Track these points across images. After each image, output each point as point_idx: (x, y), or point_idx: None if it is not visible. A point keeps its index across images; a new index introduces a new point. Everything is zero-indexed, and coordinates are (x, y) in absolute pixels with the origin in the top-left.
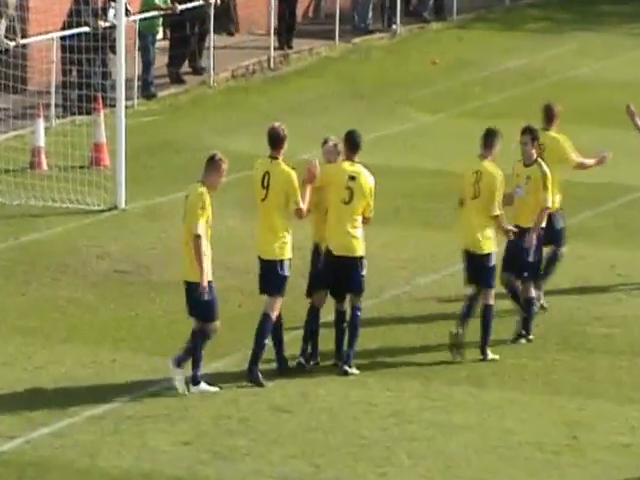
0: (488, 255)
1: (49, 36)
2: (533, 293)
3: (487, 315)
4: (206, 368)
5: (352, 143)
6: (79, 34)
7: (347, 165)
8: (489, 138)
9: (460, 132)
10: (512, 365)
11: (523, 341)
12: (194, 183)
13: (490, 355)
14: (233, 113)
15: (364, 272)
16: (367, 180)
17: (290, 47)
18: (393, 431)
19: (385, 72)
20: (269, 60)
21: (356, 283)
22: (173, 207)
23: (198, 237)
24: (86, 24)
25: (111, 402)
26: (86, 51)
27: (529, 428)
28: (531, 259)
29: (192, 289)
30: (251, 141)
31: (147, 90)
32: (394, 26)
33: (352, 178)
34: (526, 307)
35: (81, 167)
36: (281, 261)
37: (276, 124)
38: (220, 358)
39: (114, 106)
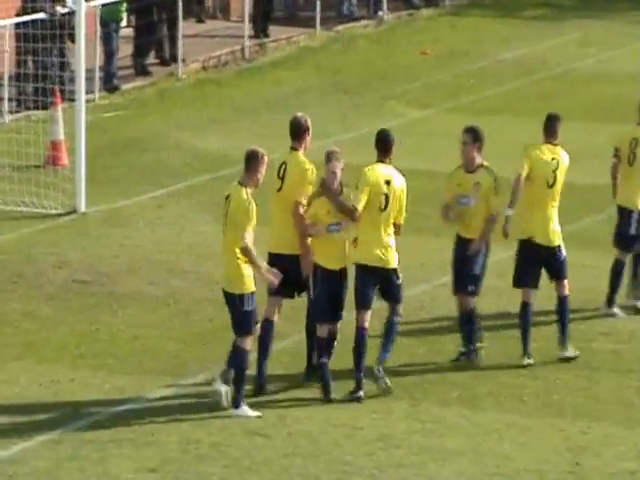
0: (560, 247)
1: (1, 23)
2: (473, 304)
3: (564, 306)
4: (173, 388)
5: (384, 144)
6: (35, 21)
7: (382, 168)
8: (553, 123)
9: (452, 129)
10: (509, 384)
11: (464, 358)
12: (234, 184)
13: (571, 352)
14: (204, 108)
15: (400, 281)
16: (400, 183)
17: (266, 35)
18: (379, 457)
19: (371, 63)
20: (243, 50)
21: (394, 292)
22: (137, 211)
23: (246, 248)
24: (42, 10)
25: (69, 425)
26: (42, 40)
27: (528, 454)
28: (478, 272)
29: (231, 301)
30: (223, 139)
31: (109, 83)
32: (380, 13)
33: (387, 183)
34: (468, 320)
35: (37, 167)
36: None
37: (299, 114)
38: (188, 376)
39: (73, 100)
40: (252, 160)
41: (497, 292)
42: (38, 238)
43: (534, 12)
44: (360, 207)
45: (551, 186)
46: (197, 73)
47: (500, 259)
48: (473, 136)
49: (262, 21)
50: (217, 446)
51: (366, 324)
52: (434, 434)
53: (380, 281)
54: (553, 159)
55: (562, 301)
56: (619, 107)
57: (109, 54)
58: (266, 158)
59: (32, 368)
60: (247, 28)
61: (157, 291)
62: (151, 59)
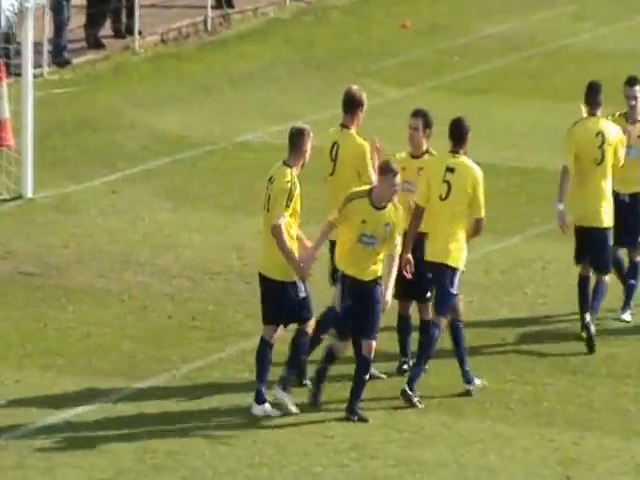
0: (607, 230)
1: None
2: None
3: (597, 292)
4: (128, 390)
5: (456, 133)
6: None
7: (448, 156)
8: (594, 93)
9: (434, 109)
10: (495, 391)
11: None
12: (278, 165)
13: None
14: (162, 84)
15: (454, 289)
16: (470, 172)
17: (231, 6)
18: (352, 468)
19: (345, 37)
20: (206, 21)
21: (441, 296)
22: (89, 197)
23: (278, 227)
24: None
25: (14, 431)
26: None
27: (515, 466)
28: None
29: (281, 290)
30: (183, 118)
31: (59, 56)
32: None
33: (450, 170)
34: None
35: None
36: None
37: (354, 86)
38: (144, 378)
39: (19, 75)
40: (298, 138)
41: (483, 289)
42: None
43: None
44: (420, 200)
45: (599, 163)
46: (155, 46)
47: (487, 252)
48: (424, 122)
49: None
50: (175, 455)
51: (425, 316)
52: (412, 444)
53: (433, 278)
54: (598, 134)
55: (596, 288)
56: (615, 88)
57: (59, 25)
58: (312, 134)
59: None
60: None
61: (110, 285)
62: (105, 31)
